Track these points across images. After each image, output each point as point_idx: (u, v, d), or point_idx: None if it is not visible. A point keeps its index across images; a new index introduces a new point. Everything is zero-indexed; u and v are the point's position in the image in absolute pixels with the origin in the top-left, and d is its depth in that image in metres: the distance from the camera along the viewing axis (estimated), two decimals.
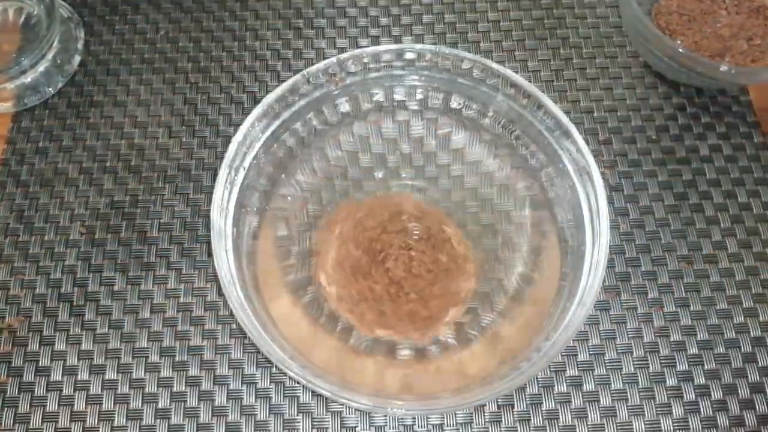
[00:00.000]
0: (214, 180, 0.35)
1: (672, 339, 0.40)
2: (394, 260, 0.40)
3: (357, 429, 0.38)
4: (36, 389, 0.39)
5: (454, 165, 0.42)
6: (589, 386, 0.38)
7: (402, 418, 0.38)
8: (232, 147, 0.35)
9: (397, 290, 0.39)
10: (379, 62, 0.38)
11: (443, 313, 0.39)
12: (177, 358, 0.39)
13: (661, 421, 0.38)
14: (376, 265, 0.40)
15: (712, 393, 0.38)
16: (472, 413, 0.38)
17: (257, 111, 0.36)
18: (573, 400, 0.38)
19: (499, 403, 0.38)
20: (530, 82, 0.39)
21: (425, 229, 0.41)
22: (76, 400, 0.38)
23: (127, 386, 0.39)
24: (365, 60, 0.38)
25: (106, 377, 0.39)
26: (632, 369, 0.39)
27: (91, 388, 0.39)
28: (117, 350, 0.40)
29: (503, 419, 0.38)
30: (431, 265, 0.40)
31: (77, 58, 0.49)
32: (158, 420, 0.38)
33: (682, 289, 0.41)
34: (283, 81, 0.37)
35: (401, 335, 0.38)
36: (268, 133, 0.37)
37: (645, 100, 0.47)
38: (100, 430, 0.38)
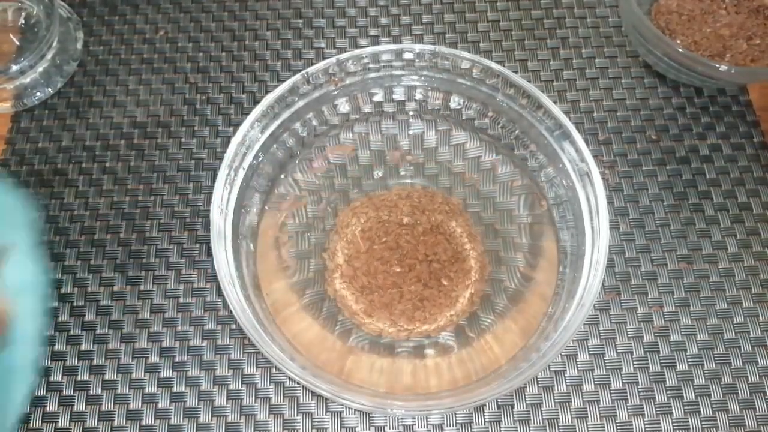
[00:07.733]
0: (213, 180, 0.35)
1: (672, 339, 0.40)
2: (407, 250, 0.40)
3: (357, 429, 0.38)
4: (36, 389, 0.39)
5: (455, 163, 0.42)
6: (589, 386, 0.38)
7: (402, 418, 0.38)
8: (232, 147, 0.35)
9: (411, 278, 0.39)
10: (378, 62, 0.38)
11: (455, 294, 0.39)
12: (177, 359, 0.39)
13: (661, 422, 0.38)
14: (389, 256, 0.40)
15: (712, 393, 0.38)
16: (472, 413, 0.38)
17: (257, 111, 0.36)
18: (573, 400, 0.38)
19: (499, 404, 0.38)
20: (530, 82, 0.39)
21: (433, 219, 0.41)
22: (75, 401, 0.38)
23: (127, 387, 0.39)
24: (365, 60, 0.38)
25: (106, 377, 0.39)
26: (632, 369, 0.39)
27: (91, 388, 0.39)
28: (117, 351, 0.40)
29: (503, 419, 0.38)
30: (441, 251, 0.40)
31: (77, 59, 0.49)
32: (158, 420, 0.38)
33: (682, 289, 0.41)
34: (283, 81, 0.37)
35: (412, 324, 0.39)
36: (267, 133, 0.37)
37: (645, 100, 0.47)
38: (100, 430, 0.38)
